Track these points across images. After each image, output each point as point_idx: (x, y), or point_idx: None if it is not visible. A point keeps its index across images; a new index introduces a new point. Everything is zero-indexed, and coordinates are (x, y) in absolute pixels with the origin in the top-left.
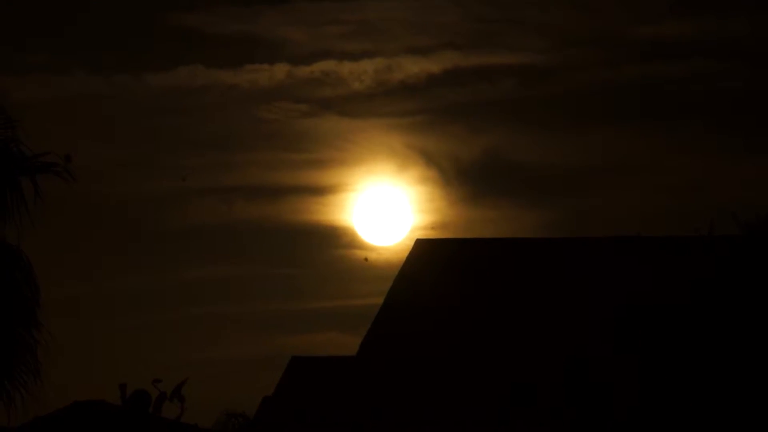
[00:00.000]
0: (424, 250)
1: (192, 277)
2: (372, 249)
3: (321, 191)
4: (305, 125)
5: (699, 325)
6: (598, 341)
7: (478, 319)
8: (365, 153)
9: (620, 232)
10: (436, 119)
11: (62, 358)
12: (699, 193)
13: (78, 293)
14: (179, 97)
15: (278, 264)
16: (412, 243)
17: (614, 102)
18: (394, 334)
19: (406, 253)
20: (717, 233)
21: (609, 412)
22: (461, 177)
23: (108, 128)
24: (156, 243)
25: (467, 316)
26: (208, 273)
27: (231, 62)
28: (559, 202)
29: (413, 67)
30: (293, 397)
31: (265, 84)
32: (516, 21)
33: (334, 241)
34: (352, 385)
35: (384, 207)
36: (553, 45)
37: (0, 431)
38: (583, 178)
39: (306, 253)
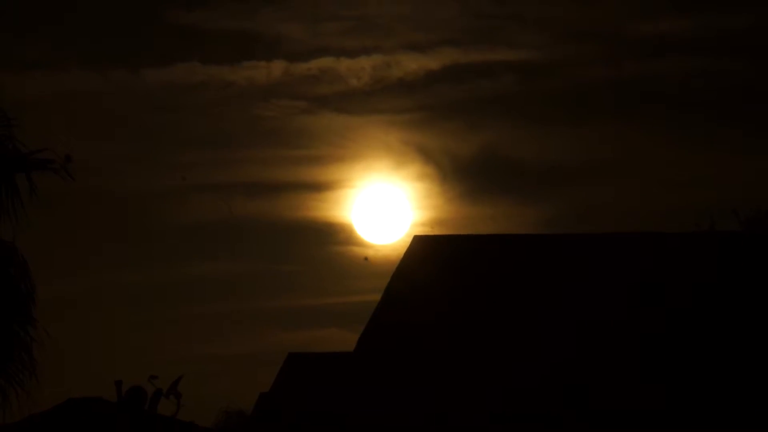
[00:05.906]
0: (422, 246)
1: (190, 274)
2: (370, 246)
3: (319, 188)
4: (303, 122)
5: (700, 322)
6: (598, 339)
7: (476, 315)
8: (363, 150)
9: (620, 228)
10: (434, 116)
11: (58, 354)
12: (699, 189)
13: (75, 290)
14: (177, 93)
15: (276, 260)
16: (410, 240)
17: (614, 98)
18: (391, 331)
19: (404, 250)
20: (717, 228)
21: (608, 410)
22: (459, 174)
23: (106, 124)
24: (154, 239)
25: (465, 313)
26: (206, 269)
27: (228, 59)
28: (557, 198)
29: (412, 64)
30: (290, 394)
31: (262, 81)
32: (515, 17)
33: (331, 237)
34: (349, 381)
35: (382, 204)
36: (553, 41)
37: None
38: (583, 175)
39: (304, 250)
